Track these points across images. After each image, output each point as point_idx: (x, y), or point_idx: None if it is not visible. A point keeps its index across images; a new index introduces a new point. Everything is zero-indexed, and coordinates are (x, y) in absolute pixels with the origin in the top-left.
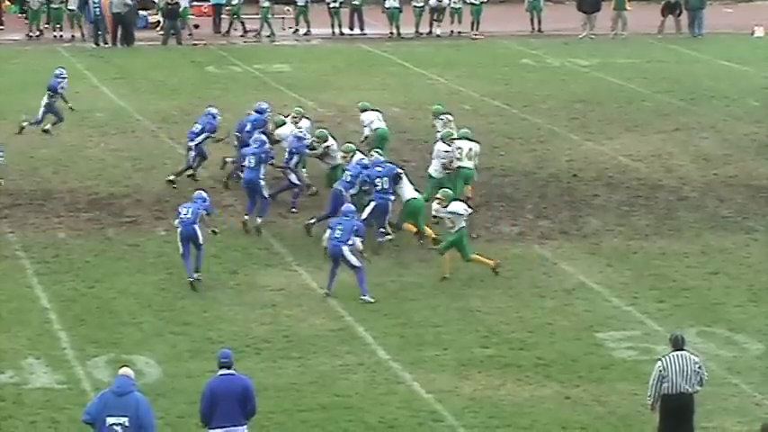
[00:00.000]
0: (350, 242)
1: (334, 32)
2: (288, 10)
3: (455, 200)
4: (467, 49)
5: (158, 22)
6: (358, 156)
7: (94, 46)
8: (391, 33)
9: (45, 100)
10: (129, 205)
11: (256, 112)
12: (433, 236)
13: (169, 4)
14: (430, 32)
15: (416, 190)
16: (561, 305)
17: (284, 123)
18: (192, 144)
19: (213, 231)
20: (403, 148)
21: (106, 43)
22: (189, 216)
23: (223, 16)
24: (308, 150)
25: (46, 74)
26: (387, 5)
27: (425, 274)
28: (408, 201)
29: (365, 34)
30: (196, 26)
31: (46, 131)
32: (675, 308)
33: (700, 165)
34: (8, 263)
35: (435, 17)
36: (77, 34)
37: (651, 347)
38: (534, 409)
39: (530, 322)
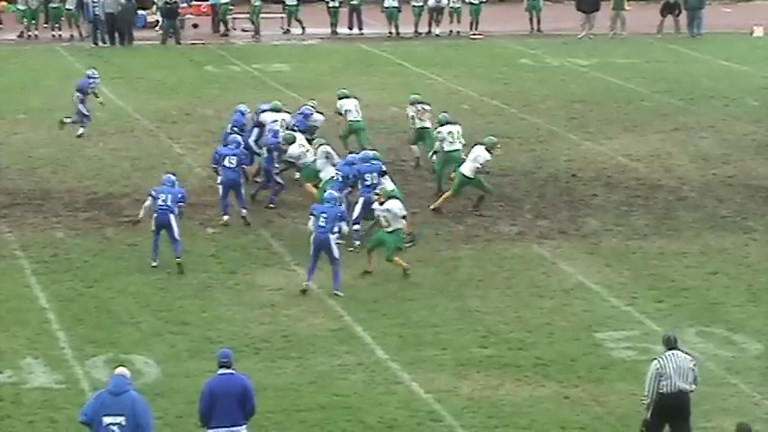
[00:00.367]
0: (335, 230)
1: (333, 32)
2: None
3: (392, 198)
4: (466, 48)
5: (157, 21)
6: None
7: (93, 45)
8: (390, 33)
9: (77, 100)
10: (127, 205)
11: (239, 112)
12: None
13: (168, 3)
14: (429, 32)
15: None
16: (560, 305)
17: (294, 140)
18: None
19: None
20: (402, 148)
21: (105, 43)
22: (168, 204)
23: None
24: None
25: (44, 73)
26: (386, 5)
27: (424, 275)
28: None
29: (363, 34)
30: (195, 26)
31: (63, 124)
32: (674, 308)
33: (699, 164)
34: (6, 262)
35: (434, 17)
36: (75, 34)
37: (650, 347)
38: (533, 408)
39: (528, 322)
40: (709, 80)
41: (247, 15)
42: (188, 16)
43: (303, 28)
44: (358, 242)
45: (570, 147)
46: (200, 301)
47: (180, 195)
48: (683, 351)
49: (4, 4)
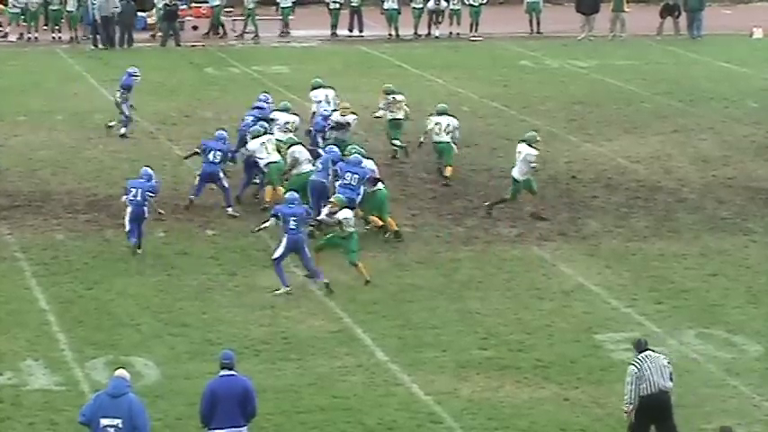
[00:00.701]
0: (303, 230)
1: (332, 34)
2: None
3: (345, 208)
4: (465, 50)
5: (156, 23)
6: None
7: (92, 48)
8: (390, 35)
9: (119, 99)
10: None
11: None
12: (395, 228)
13: (168, 5)
14: (429, 34)
15: (381, 181)
16: (560, 307)
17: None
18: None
19: (159, 213)
20: (404, 151)
21: (102, 45)
22: (138, 198)
23: (223, 18)
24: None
25: (44, 75)
26: (386, 7)
27: (424, 276)
28: (374, 192)
29: (363, 36)
30: (195, 28)
31: (123, 136)
32: (674, 309)
33: (698, 166)
34: (7, 264)
35: (434, 19)
36: (74, 35)
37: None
38: (533, 410)
39: (528, 324)
40: (709, 82)
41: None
42: (188, 18)
43: (287, 30)
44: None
45: (570, 148)
46: (200, 303)
47: (150, 189)
48: (654, 351)
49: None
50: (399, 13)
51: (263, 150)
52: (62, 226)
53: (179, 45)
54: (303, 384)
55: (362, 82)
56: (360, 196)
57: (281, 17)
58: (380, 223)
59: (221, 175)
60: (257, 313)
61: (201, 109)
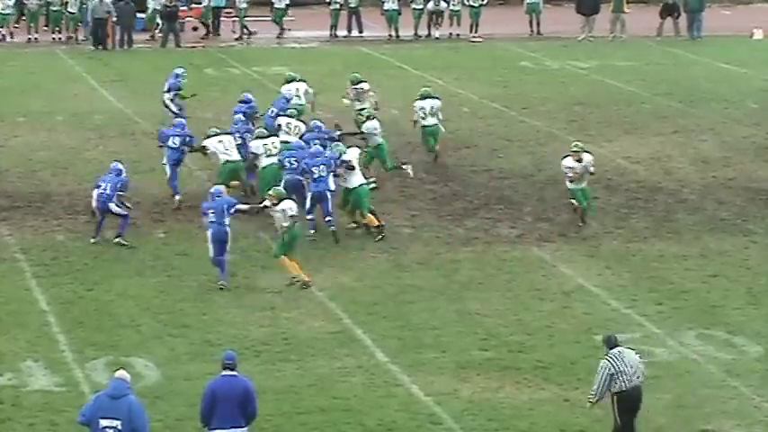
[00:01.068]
0: (227, 222)
1: (331, 34)
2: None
3: (283, 199)
4: (465, 51)
5: (157, 24)
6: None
7: (93, 48)
8: (390, 36)
9: (167, 101)
10: None
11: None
12: (376, 223)
13: (168, 6)
14: (429, 35)
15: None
16: (560, 308)
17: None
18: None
19: (127, 207)
20: (402, 151)
21: (105, 46)
22: (108, 192)
23: (222, 19)
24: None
25: (44, 76)
26: (386, 8)
27: (424, 277)
28: (354, 189)
29: (363, 37)
30: (195, 29)
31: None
32: (674, 310)
33: (699, 167)
34: (7, 265)
35: (434, 20)
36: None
37: (650, 350)
38: (533, 411)
39: (528, 325)
40: (709, 83)
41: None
42: (188, 19)
43: (282, 30)
44: (313, 230)
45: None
46: (201, 304)
47: (119, 184)
48: (626, 347)
49: None
50: (399, 13)
51: (221, 146)
52: (62, 227)
53: (179, 46)
54: (303, 385)
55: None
56: (330, 185)
57: (274, 19)
58: (375, 223)
59: (181, 160)
60: (257, 314)
61: (201, 110)
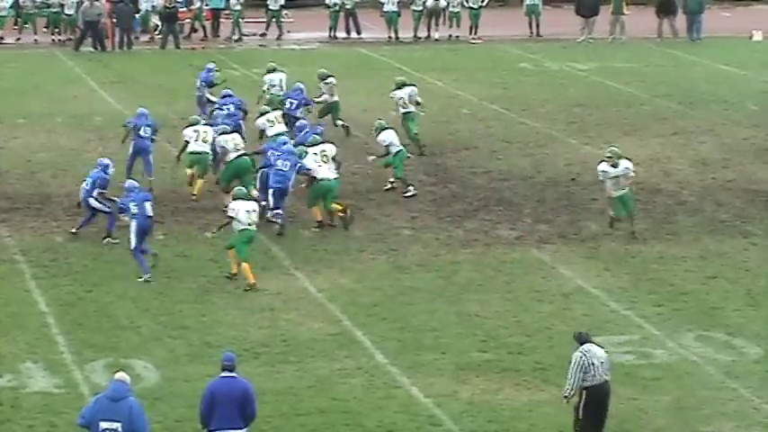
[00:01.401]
0: (150, 213)
1: (330, 36)
2: (286, 14)
3: (239, 199)
4: (465, 53)
5: (156, 26)
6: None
7: (92, 50)
8: (390, 37)
9: (199, 94)
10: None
11: (299, 89)
12: (341, 211)
13: (167, 7)
14: (428, 36)
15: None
16: (559, 309)
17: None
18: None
19: (108, 203)
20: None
21: (104, 47)
22: (87, 187)
23: (222, 20)
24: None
25: (44, 77)
26: (385, 9)
27: (423, 278)
28: (321, 180)
29: (362, 38)
30: (195, 30)
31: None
32: (674, 312)
33: (698, 169)
34: (6, 267)
35: (434, 20)
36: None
37: (649, 352)
38: (532, 413)
39: (528, 326)
40: (709, 84)
41: (252, 20)
42: (187, 21)
43: (281, 33)
44: (280, 219)
45: (569, 151)
46: (200, 306)
47: (99, 181)
48: (595, 344)
49: None
50: (399, 15)
51: (194, 135)
52: (62, 228)
53: (179, 47)
54: (302, 387)
55: (362, 84)
56: (291, 182)
57: (266, 19)
58: (319, 219)
59: (150, 150)
60: (257, 316)
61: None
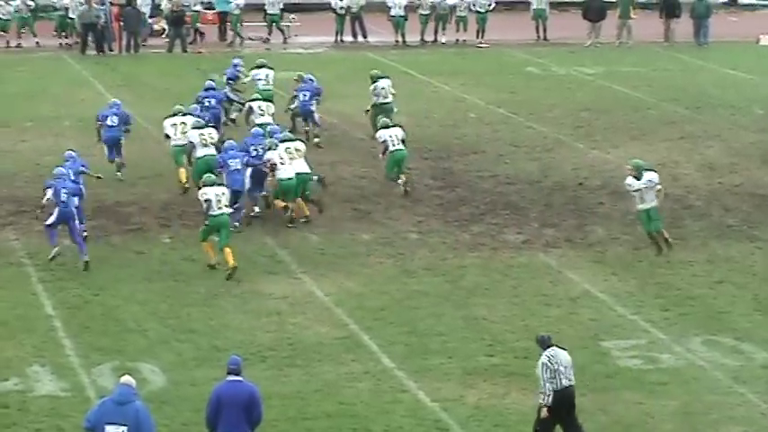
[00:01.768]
0: (75, 204)
1: (336, 40)
2: (293, 18)
3: (209, 185)
4: (472, 57)
5: (163, 29)
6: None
7: (99, 53)
8: (397, 41)
9: (229, 93)
10: (134, 213)
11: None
12: (306, 214)
13: (174, 11)
14: (435, 40)
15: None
16: (566, 314)
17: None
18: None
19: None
20: (408, 157)
21: (111, 50)
22: (65, 202)
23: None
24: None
25: (51, 81)
26: (392, 13)
27: (430, 282)
28: (281, 180)
29: (369, 42)
30: (202, 33)
31: (233, 121)
32: (680, 317)
33: (705, 173)
34: (13, 270)
35: (442, 25)
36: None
37: (656, 356)
38: None
39: (535, 331)
40: (716, 89)
41: (260, 23)
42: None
43: (285, 37)
44: (237, 221)
45: (577, 155)
46: (207, 309)
47: (78, 189)
48: (559, 347)
49: None
50: (406, 19)
51: (172, 130)
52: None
53: (185, 51)
54: (309, 391)
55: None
56: (244, 181)
57: (265, 24)
58: (283, 204)
59: (122, 140)
60: (264, 319)
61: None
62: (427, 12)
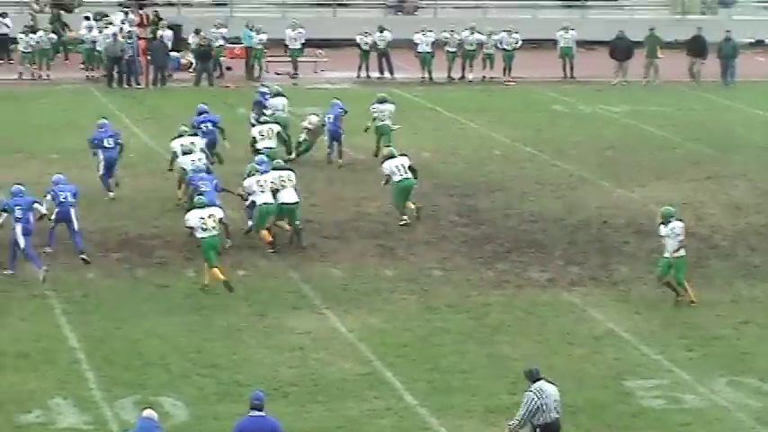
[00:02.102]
0: (31, 220)
1: (360, 75)
2: (320, 53)
3: (197, 207)
4: (499, 94)
5: (190, 63)
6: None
7: (126, 86)
8: (423, 78)
9: (252, 119)
10: (158, 246)
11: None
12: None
13: (201, 45)
14: (462, 77)
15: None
16: (590, 352)
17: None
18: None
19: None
20: (433, 193)
21: (138, 84)
22: (69, 200)
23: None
24: None
25: (77, 113)
26: (419, 50)
27: (454, 319)
28: (260, 205)
29: (395, 78)
30: (228, 68)
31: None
32: (704, 357)
33: (731, 213)
34: (37, 302)
35: (469, 62)
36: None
37: (680, 397)
38: None
39: (558, 369)
40: (742, 128)
41: (283, 58)
42: (222, 59)
43: (296, 71)
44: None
45: (601, 193)
46: (230, 344)
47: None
48: (547, 381)
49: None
50: (433, 56)
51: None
52: (93, 264)
53: (212, 85)
54: (332, 427)
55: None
56: (214, 202)
57: (290, 57)
58: (269, 240)
59: (116, 158)
60: (286, 355)
61: (234, 149)
62: (454, 49)
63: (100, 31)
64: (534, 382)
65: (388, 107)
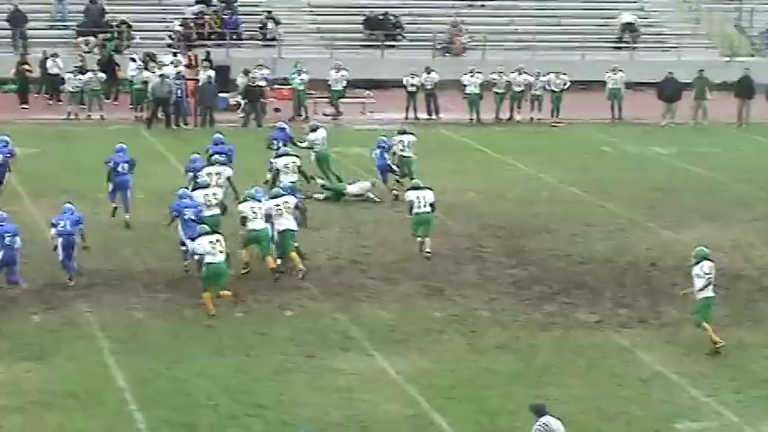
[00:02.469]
0: (17, 245)
1: (408, 116)
2: (369, 94)
3: (202, 234)
4: (546, 135)
5: (238, 103)
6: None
7: (175, 127)
8: (471, 119)
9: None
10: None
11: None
12: (273, 266)
13: (251, 86)
14: (510, 118)
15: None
16: (638, 395)
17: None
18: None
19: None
20: (480, 233)
21: (186, 124)
22: (67, 227)
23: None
24: None
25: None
26: (467, 91)
27: (502, 361)
28: (250, 231)
29: (442, 119)
30: (277, 110)
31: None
32: (754, 399)
33: None
34: (85, 342)
35: (517, 104)
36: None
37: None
38: None
39: (606, 412)
40: None
41: (327, 99)
42: (270, 100)
43: (339, 112)
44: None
45: (649, 235)
46: (277, 385)
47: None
48: (552, 416)
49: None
50: (481, 97)
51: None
52: (141, 305)
53: (260, 126)
54: None
55: (442, 165)
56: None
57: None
58: (246, 260)
59: (129, 185)
60: (334, 396)
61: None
62: (502, 90)
63: (151, 72)
64: (541, 416)
65: (409, 138)
